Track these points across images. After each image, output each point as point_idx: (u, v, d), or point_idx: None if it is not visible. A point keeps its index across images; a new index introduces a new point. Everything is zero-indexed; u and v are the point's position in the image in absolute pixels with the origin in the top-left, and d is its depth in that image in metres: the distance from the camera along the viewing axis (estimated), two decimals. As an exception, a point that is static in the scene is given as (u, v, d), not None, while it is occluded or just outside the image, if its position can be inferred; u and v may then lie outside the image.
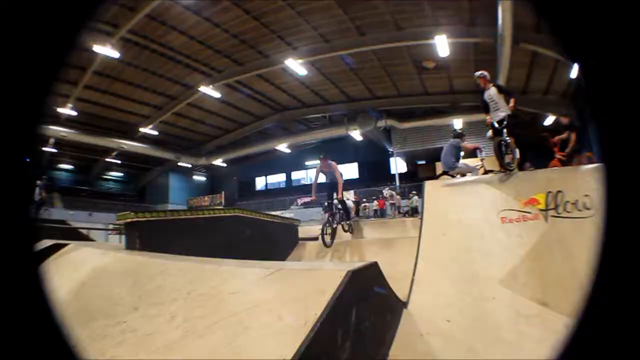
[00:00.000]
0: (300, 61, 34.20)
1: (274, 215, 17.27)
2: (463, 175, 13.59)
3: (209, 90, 39.55)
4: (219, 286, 4.75)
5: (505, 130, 11.48)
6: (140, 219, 11.26)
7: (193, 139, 51.45)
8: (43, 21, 1.75)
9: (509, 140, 11.49)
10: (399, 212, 37.98)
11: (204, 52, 34.91)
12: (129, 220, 11.39)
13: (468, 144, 15.51)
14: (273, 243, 15.12)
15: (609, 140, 1.70)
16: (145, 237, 10.78)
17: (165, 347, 3.94)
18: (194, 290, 4.83)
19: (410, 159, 50.02)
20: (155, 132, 47.44)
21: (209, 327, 3.97)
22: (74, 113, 40.92)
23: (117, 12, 28.94)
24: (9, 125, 1.69)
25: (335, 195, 15.07)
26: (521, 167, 11.71)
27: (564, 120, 15.61)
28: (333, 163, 15.19)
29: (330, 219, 15.20)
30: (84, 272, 7.98)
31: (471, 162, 16.16)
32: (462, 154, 14.64)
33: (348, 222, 16.88)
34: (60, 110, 40.31)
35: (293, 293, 4.16)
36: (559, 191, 8.56)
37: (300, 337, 3.24)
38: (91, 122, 43.70)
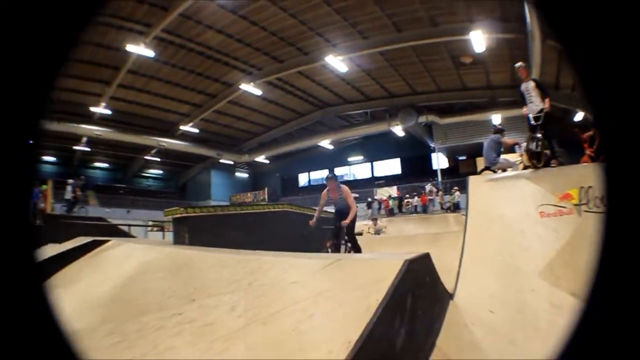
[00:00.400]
0: (340, 58, 34.22)
1: (325, 211, 17.45)
2: (504, 170, 13.76)
3: (249, 88, 39.75)
4: (279, 276, 4.95)
5: (539, 127, 11.73)
6: (189, 214, 11.64)
7: (235, 136, 51.46)
8: (44, 16, 1.76)
9: (540, 137, 11.73)
10: (442, 208, 38.29)
11: (243, 50, 35.01)
12: (177, 215, 11.77)
13: (508, 139, 15.61)
14: (320, 237, 15.04)
15: (609, 138, 1.72)
16: (194, 232, 11.14)
17: (227, 336, 4.07)
18: (255, 281, 5.01)
19: (451, 155, 49.67)
20: (196, 130, 47.56)
21: (273, 315, 4.11)
22: (109, 112, 41.42)
23: (148, 11, 29.40)
24: (7, 122, 1.71)
25: (342, 222, 11.81)
26: (547, 164, 11.85)
27: (591, 117, 15.61)
28: (344, 187, 12.23)
29: (330, 249, 11.98)
30: (130, 267, 8.37)
31: (511, 157, 16.32)
32: (502, 149, 14.78)
33: None
34: (93, 109, 40.91)
35: (353, 282, 4.33)
36: (590, 186, 8.71)
37: (363, 322, 3.37)
38: (128, 121, 44.08)
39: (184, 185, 59.78)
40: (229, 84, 40.12)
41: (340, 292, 4.13)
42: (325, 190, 12.26)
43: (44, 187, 26.03)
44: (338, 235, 12.18)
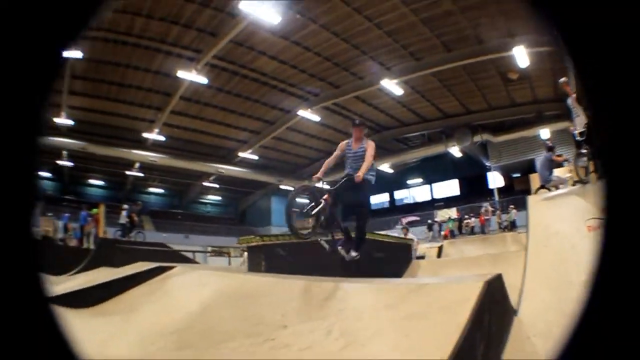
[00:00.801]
0: (395, 81, 34.49)
1: (391, 236, 17.81)
2: (557, 187, 14.19)
3: (307, 114, 40.18)
4: (367, 301, 5.33)
5: (584, 142, 12.16)
6: (265, 242, 12.29)
7: (294, 162, 51.65)
8: (37, 27, 1.74)
9: (586, 152, 12.16)
10: (500, 227, 37.93)
11: (298, 76, 35.31)
12: (253, 243, 12.41)
13: (558, 157, 15.98)
14: (390, 261, 15.19)
15: (609, 143, 1.72)
16: (269, 260, 11.76)
17: (328, 358, 4.40)
18: (345, 307, 5.37)
19: (506, 173, 49.25)
20: (255, 157, 48.09)
21: (370, 337, 4.47)
22: (162, 138, 42.22)
23: (196, 37, 30.03)
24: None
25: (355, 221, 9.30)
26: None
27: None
28: (371, 142, 9.41)
29: (339, 248, 9.22)
30: (204, 293, 8.63)
31: (563, 172, 16.73)
32: (554, 166, 15.21)
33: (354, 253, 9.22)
34: (146, 135, 41.89)
35: (440, 303, 4.71)
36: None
37: (453, 339, 3.78)
38: (183, 147, 44.73)
39: (243, 211, 60.02)
40: (286, 111, 40.55)
41: (430, 313, 4.49)
42: (345, 141, 9.51)
43: (95, 210, 27.29)
44: (347, 233, 9.30)
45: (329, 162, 9.41)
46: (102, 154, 44.70)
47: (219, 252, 30.89)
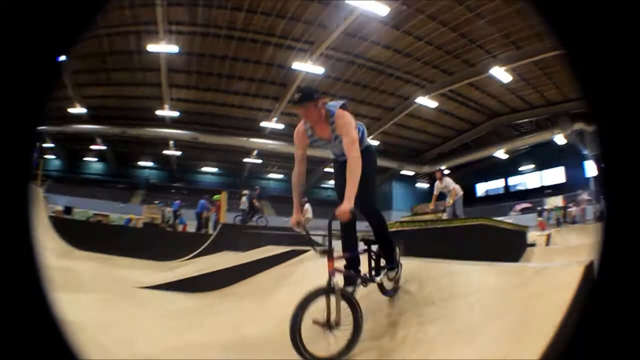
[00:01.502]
0: (503, 68, 34.59)
1: (509, 223, 18.05)
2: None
3: (424, 101, 41.06)
4: (502, 282, 5.49)
5: None
6: (405, 228, 12.89)
7: (414, 148, 52.14)
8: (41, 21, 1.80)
9: None
10: (594, 217, 36.92)
11: (413, 64, 36.13)
12: (394, 229, 12.98)
13: None
14: (508, 248, 15.40)
15: (608, 141, 1.83)
16: (408, 244, 12.37)
17: (466, 328, 4.78)
18: (482, 287, 5.60)
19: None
20: (376, 142, 47.88)
21: (504, 313, 4.63)
22: (281, 126, 43.60)
23: (305, 29, 31.09)
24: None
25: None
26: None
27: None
28: (344, 118, 5.64)
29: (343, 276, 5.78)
30: None
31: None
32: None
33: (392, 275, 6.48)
34: (264, 124, 43.51)
35: (561, 283, 4.42)
36: None
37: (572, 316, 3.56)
38: None
39: None
40: (404, 97, 41.29)
41: (552, 292, 4.38)
42: (299, 128, 6.02)
43: (217, 197, 27.87)
44: (350, 242, 6.19)
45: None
46: (215, 143, 46.56)
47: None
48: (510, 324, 4.40)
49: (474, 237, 13.51)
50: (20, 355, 1.67)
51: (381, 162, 49.43)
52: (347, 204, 5.02)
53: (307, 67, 34.37)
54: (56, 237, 19.54)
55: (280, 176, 58.81)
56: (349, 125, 5.49)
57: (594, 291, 1.87)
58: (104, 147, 51.83)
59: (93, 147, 52.26)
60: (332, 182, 56.62)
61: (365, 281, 5.87)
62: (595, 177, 44.29)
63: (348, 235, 6.09)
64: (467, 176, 54.71)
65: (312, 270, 9.48)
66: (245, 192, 28.03)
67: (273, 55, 34.79)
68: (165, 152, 50.98)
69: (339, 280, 5.36)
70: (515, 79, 36.90)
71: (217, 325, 7.73)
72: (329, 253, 5.40)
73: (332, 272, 5.31)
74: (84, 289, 10.75)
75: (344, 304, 5.28)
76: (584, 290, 3.69)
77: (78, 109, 42.83)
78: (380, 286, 6.22)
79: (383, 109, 43.74)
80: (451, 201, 17.18)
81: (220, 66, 36.85)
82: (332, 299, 5.24)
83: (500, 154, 50.49)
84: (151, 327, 7.48)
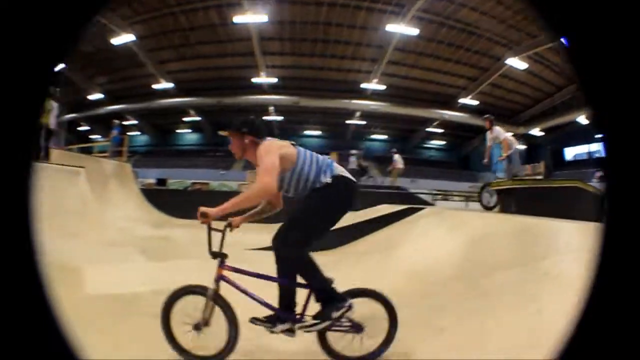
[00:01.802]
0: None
1: (595, 187, 18.01)
2: None
3: (514, 62, 40.64)
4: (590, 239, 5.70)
5: None
6: (515, 186, 13.13)
7: (510, 108, 51.26)
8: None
9: None
10: None
11: (499, 27, 36.12)
12: (505, 187, 13.24)
13: None
14: (594, 212, 15.51)
15: (610, 138, 1.77)
16: (519, 202, 12.48)
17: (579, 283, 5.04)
18: (585, 244, 5.58)
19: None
20: (475, 102, 48.40)
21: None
22: (382, 87, 44.01)
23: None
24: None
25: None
26: None
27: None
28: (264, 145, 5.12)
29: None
30: (469, 232, 9.21)
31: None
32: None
33: None
34: (365, 85, 43.68)
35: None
36: None
37: None
38: (404, 95, 46.24)
39: (466, 155, 59.37)
40: (496, 58, 41.19)
41: None
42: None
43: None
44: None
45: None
46: (317, 106, 47.44)
47: (444, 195, 31.31)
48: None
49: (569, 198, 13.41)
50: (21, 355, 1.67)
51: (479, 122, 47.82)
52: (211, 210, 4.73)
53: (402, 28, 34.77)
54: (151, 208, 20.59)
55: (384, 137, 58.34)
56: (264, 152, 4.98)
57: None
58: (198, 118, 52.67)
59: (185, 119, 53.30)
60: (434, 142, 59.23)
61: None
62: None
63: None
64: (558, 139, 53.47)
65: (432, 225, 10.53)
66: (354, 151, 28.53)
67: (366, 18, 35.17)
68: (266, 117, 51.05)
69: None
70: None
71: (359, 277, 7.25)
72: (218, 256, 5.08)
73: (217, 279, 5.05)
74: (186, 255, 11.02)
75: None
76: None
77: (163, 84, 44.12)
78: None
79: (478, 69, 43.40)
80: (504, 155, 15.01)
81: (313, 32, 37.39)
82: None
83: (582, 119, 47.90)
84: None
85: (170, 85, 44.32)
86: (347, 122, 51.96)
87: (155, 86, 43.72)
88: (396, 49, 38.44)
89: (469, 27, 36.42)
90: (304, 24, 36.23)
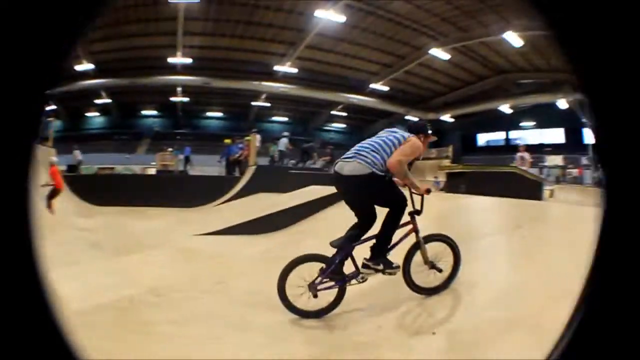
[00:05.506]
0: (516, 33, 35.73)
1: (531, 174, 19.08)
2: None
3: (438, 52, 41.82)
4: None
5: None
6: (465, 170, 14.18)
7: (421, 95, 52.24)
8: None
9: None
10: (593, 182, 38.07)
11: (431, 19, 36.98)
12: (456, 170, 14.81)
13: None
14: (527, 194, 16.59)
15: (606, 128, 1.79)
16: (468, 184, 13.47)
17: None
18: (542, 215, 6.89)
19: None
20: (386, 88, 49.37)
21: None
22: (295, 70, 44.45)
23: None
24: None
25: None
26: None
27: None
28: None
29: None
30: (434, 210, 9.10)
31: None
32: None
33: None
34: (277, 67, 44.07)
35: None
36: None
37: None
38: (316, 79, 46.87)
39: (365, 138, 59.10)
40: (417, 48, 41.89)
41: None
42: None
43: (248, 138, 28.14)
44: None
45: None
46: (226, 87, 47.67)
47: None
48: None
49: (506, 181, 14.43)
50: (21, 355, 1.61)
51: (389, 107, 51.80)
52: (425, 185, 6.96)
53: (329, 14, 35.35)
54: (72, 195, 19.55)
55: (285, 119, 58.46)
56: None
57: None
58: (108, 101, 51.52)
59: (97, 101, 51.91)
60: (335, 125, 58.79)
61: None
62: (592, 145, 44.68)
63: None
64: (470, 126, 55.68)
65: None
66: (285, 133, 30.05)
67: (296, 2, 35.58)
68: (172, 99, 50.90)
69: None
70: (527, 44, 37.76)
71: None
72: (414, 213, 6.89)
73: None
74: (142, 247, 11.19)
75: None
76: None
77: (85, 66, 42.67)
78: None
79: (396, 56, 44.28)
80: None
81: (239, 13, 37.30)
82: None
83: (505, 108, 51.15)
84: (264, 270, 8.14)
85: (90, 66, 42.97)
86: (252, 103, 52.26)
87: (77, 67, 41.95)
88: (317, 34, 39.04)
89: (398, 18, 37.10)
90: (232, 5, 36.05)
